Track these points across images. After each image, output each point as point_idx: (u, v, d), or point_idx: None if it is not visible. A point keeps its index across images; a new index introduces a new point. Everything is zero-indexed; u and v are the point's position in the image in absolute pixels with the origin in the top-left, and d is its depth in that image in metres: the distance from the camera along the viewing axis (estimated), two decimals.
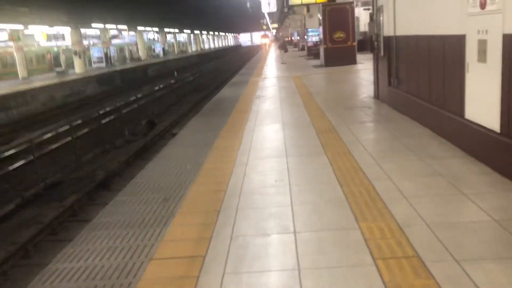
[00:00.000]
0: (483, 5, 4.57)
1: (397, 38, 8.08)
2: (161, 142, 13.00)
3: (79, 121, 16.42)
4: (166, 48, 63.22)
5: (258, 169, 5.28)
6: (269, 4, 23.10)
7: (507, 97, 4.24)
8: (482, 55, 4.67)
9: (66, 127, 13.70)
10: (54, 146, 12.72)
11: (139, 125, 15.77)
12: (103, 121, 15.46)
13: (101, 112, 16.67)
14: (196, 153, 6.22)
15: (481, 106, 4.79)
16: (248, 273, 2.94)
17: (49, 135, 13.93)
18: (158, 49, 61.66)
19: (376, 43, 9.49)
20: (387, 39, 8.67)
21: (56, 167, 11.07)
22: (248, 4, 29.12)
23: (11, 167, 10.83)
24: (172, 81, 31.61)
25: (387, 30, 8.64)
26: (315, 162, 5.33)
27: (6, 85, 25.17)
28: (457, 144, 5.43)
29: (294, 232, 3.48)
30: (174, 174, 5.33)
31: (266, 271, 2.96)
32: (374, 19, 9.60)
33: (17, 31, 27.65)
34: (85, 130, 14.75)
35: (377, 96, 9.81)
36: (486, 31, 4.55)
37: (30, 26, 27.14)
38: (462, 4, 5.03)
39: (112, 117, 16.79)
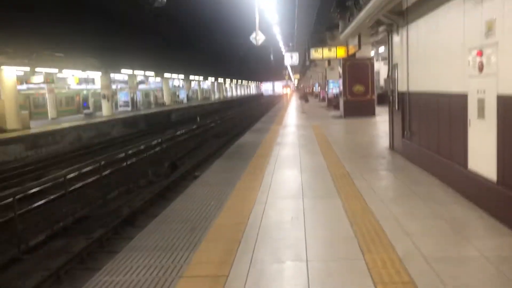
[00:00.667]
0: (481, 69, 5.16)
1: (410, 93, 8.69)
2: (183, 183, 13.55)
3: (105, 161, 17.20)
4: (190, 94, 65.25)
5: (276, 207, 5.79)
6: (291, 57, 24.18)
7: (502, 151, 4.73)
8: (481, 112, 5.21)
9: (92, 166, 14.43)
10: (81, 183, 13.40)
11: (162, 167, 16.43)
12: (128, 162, 16.21)
13: (126, 153, 17.48)
14: (220, 192, 6.77)
15: (481, 158, 5.28)
16: (264, 281, 3.41)
17: (76, 173, 14.66)
18: (182, 95, 63.70)
19: (391, 97, 10.12)
20: (401, 95, 9.28)
21: (83, 202, 11.70)
22: (271, 57, 30.35)
23: (41, 201, 11.50)
24: (195, 126, 32.64)
25: (401, 86, 9.27)
26: (329, 203, 5.82)
27: (37, 124, 26.51)
28: (460, 192, 5.87)
29: (306, 260, 3.95)
30: (199, 209, 5.87)
31: (280, 283, 3.43)
32: (390, 76, 10.27)
33: (51, 74, 29.34)
34: (111, 170, 15.46)
35: (392, 147, 10.31)
36: (484, 91, 5.11)
37: (64, 70, 28.76)
38: (464, 66, 5.63)
39: (136, 158, 17.55)
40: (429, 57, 7.39)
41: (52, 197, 11.93)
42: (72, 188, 12.72)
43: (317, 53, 17.69)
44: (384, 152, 9.97)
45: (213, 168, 9.42)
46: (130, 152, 15.13)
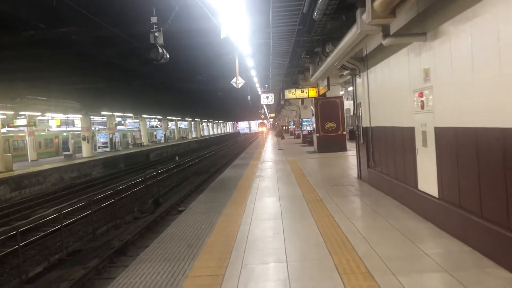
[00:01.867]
0: (422, 107, 6.39)
1: (372, 128, 9.93)
2: (169, 217, 14.33)
3: (90, 199, 17.82)
4: (168, 134, 66.15)
5: (259, 227, 6.77)
6: (267, 97, 25.59)
7: (439, 171, 5.88)
8: (424, 142, 6.40)
9: (78, 205, 15.08)
10: (69, 220, 14.03)
11: (145, 204, 17.16)
12: (113, 200, 16.91)
13: (109, 192, 18.15)
14: (208, 218, 7.71)
15: (427, 179, 6.42)
16: (255, 282, 4.37)
17: (69, 209, 15.28)
18: (160, 135, 64.52)
19: (357, 132, 11.37)
20: (365, 129, 10.52)
21: (74, 237, 12.37)
22: (249, 97, 31.75)
23: (36, 236, 12.12)
24: (174, 165, 33.37)
25: (365, 122, 10.53)
26: (304, 222, 6.84)
27: (18, 166, 26.89)
28: (413, 209, 6.99)
29: (286, 261, 4.93)
30: (192, 231, 6.79)
31: (267, 281, 4.39)
32: (355, 113, 11.55)
33: (32, 117, 29.93)
34: (97, 207, 16.11)
35: (360, 176, 11.47)
36: (426, 125, 6.31)
37: (46, 113, 29.45)
38: (411, 105, 6.86)
39: (120, 196, 18.23)
40: (385, 97, 8.66)
41: (47, 231, 12.55)
42: (65, 223, 13.36)
43: (290, 94, 19.05)
44: (353, 181, 11.10)
45: (199, 199, 10.35)
46: (114, 191, 15.84)
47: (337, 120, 21.69)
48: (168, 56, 8.41)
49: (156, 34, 7.56)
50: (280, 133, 29.84)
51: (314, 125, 22.59)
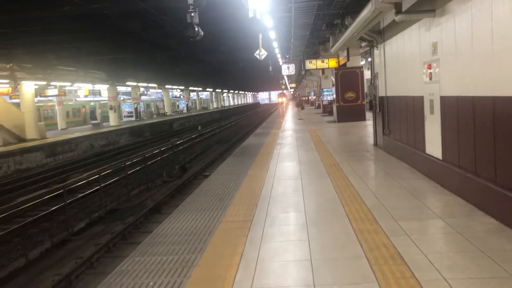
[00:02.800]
0: (430, 77, 7.03)
1: (387, 98, 10.55)
2: (196, 181, 15.32)
3: (123, 165, 18.98)
4: (190, 104, 67.20)
5: (281, 185, 7.62)
6: (288, 68, 26.09)
7: (443, 136, 6.57)
8: (431, 109, 7.06)
9: (111, 169, 16.18)
10: (105, 183, 15.12)
11: (173, 169, 18.20)
12: (143, 165, 18.01)
13: (139, 158, 19.27)
14: (235, 178, 8.58)
15: (433, 143, 7.12)
16: (279, 226, 5.23)
17: (110, 170, 16.43)
18: (182, 105, 65.62)
19: (373, 101, 11.99)
20: (381, 99, 11.15)
21: (111, 198, 13.47)
22: (270, 68, 32.19)
23: (79, 195, 13.27)
24: (197, 134, 34.42)
25: (381, 91, 11.14)
26: (320, 182, 7.65)
27: (49, 134, 28.27)
28: (421, 171, 7.72)
29: (304, 211, 5.77)
30: (222, 188, 7.69)
31: (288, 225, 5.25)
32: (372, 83, 12.15)
33: (62, 87, 31.13)
34: (130, 172, 17.22)
35: (375, 143, 12.16)
36: (433, 94, 6.96)
37: (75, 84, 30.62)
38: (421, 76, 7.49)
39: (148, 162, 19.33)
40: (399, 68, 9.27)
41: (85, 192, 13.71)
42: (103, 184, 14.50)
43: (311, 64, 19.56)
44: (369, 148, 11.82)
45: (226, 163, 11.24)
46: (145, 156, 16.90)
47: (357, 90, 22.17)
48: (202, 33, 9.13)
49: (192, 14, 8.28)
50: (301, 103, 30.42)
51: (334, 95, 23.12)
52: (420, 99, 7.61)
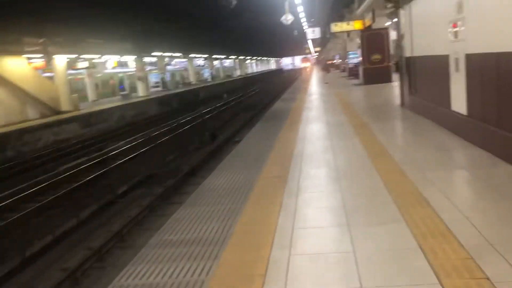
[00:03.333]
0: (455, 36, 7.22)
1: (414, 58, 10.71)
2: (226, 147, 15.89)
3: (157, 132, 19.75)
4: (214, 73, 67.48)
5: (311, 145, 8.06)
6: (313, 31, 26.01)
7: (469, 93, 6.83)
8: (457, 67, 7.29)
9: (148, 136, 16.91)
10: (141, 150, 15.87)
11: (204, 136, 18.81)
12: (175, 133, 18.73)
13: (174, 125, 20.00)
14: (267, 141, 9.05)
15: (458, 100, 7.37)
16: (312, 179, 5.71)
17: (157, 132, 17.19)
18: (206, 74, 65.97)
19: (400, 62, 12.13)
20: (408, 59, 11.30)
21: (147, 165, 14.17)
22: (295, 32, 32.11)
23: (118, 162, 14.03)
24: (223, 102, 34.92)
25: (408, 52, 11.28)
26: (349, 141, 8.05)
27: (81, 106, 29.25)
28: (447, 127, 8.01)
29: (335, 167, 6.22)
30: (255, 150, 8.18)
31: (321, 178, 5.72)
32: (398, 44, 12.25)
33: (91, 59, 31.92)
34: (162, 139, 17.97)
35: (402, 104, 12.36)
36: (458, 52, 7.17)
37: (104, 56, 31.34)
38: (446, 35, 7.67)
39: (179, 130, 20.02)
40: (425, 27, 9.40)
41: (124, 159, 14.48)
42: (138, 152, 15.26)
43: (336, 27, 19.55)
44: (396, 108, 12.06)
45: (256, 128, 11.71)
46: (178, 123, 17.58)
47: (383, 51, 22.05)
48: (235, 1, 9.48)
49: None
50: (326, 67, 30.41)
51: (360, 58, 23.08)
52: (445, 57, 7.81)
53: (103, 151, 16.82)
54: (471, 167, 5.56)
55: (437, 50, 8.49)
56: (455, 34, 7.23)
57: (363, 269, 3.18)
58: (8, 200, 10.59)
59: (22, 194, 11.07)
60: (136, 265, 3.63)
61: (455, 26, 7.21)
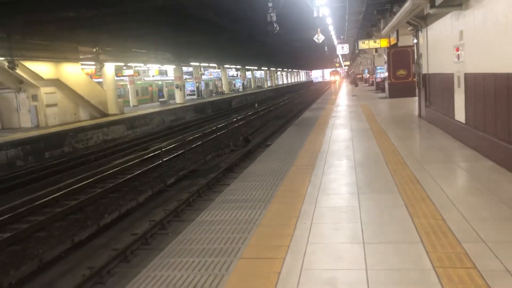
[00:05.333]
0: (458, 58, 8.76)
1: (429, 75, 12.22)
2: (259, 149, 17.58)
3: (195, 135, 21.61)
4: (245, 83, 69.72)
5: (335, 145, 9.70)
6: (342, 48, 27.64)
7: (466, 105, 8.35)
8: (458, 84, 8.81)
9: (190, 137, 18.76)
10: (183, 150, 17.70)
11: (238, 140, 20.57)
12: (215, 135, 20.57)
13: (211, 129, 21.85)
14: (298, 140, 10.72)
15: (459, 111, 8.88)
16: (335, 167, 7.35)
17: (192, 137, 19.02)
18: (238, 84, 68.26)
19: (418, 78, 13.64)
20: (424, 76, 12.81)
21: (190, 161, 15.98)
22: (326, 48, 33.77)
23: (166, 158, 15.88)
24: (254, 111, 36.72)
25: (424, 69, 12.79)
26: (368, 143, 9.65)
27: (125, 110, 31.60)
28: (449, 133, 9.53)
29: (354, 160, 7.84)
30: (288, 147, 9.86)
31: (341, 167, 7.36)
32: (417, 62, 13.77)
33: (134, 67, 34.37)
34: (203, 141, 19.79)
35: (420, 115, 13.84)
36: (460, 71, 8.70)
37: (147, 65, 33.72)
38: (452, 56, 9.21)
39: (218, 133, 21.86)
40: (438, 49, 10.94)
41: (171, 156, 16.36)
42: (179, 152, 17.13)
43: (364, 44, 21.08)
44: (414, 118, 13.56)
45: (288, 131, 13.40)
46: (216, 127, 19.42)
47: (408, 67, 23.43)
48: (278, 27, 11.28)
49: (271, 14, 10.50)
50: (354, 81, 31.86)
51: (387, 73, 24.53)
52: (451, 75, 9.34)
53: (148, 150, 18.78)
54: (459, 162, 7.11)
55: (446, 69, 10.02)
56: (458, 56, 8.77)
57: (364, 215, 4.82)
58: (76, 185, 12.55)
59: (85, 182, 13.00)
60: (205, 215, 5.36)
61: (457, 50, 8.76)
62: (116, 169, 14.73)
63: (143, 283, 3.56)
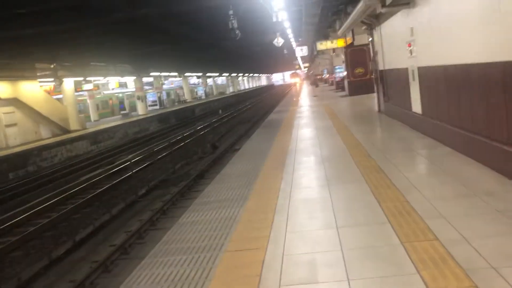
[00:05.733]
0: (411, 53, 9.32)
1: (385, 71, 12.83)
2: (228, 155, 17.82)
3: (161, 146, 21.66)
4: (207, 90, 69.79)
5: (302, 143, 10.09)
6: (301, 50, 28.31)
7: (422, 97, 8.90)
8: (413, 77, 9.37)
9: (155, 149, 18.82)
10: (151, 161, 17.77)
11: (206, 147, 20.75)
12: (178, 146, 20.66)
13: (177, 139, 21.95)
14: (266, 142, 11.05)
15: (416, 103, 9.44)
16: (304, 163, 7.71)
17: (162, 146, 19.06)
18: (200, 91, 68.25)
19: (375, 75, 14.26)
20: (381, 72, 13.42)
21: (160, 172, 16.05)
22: (285, 51, 34.44)
23: (136, 169, 15.90)
24: (218, 117, 36.94)
25: (381, 66, 13.40)
26: (332, 140, 10.09)
27: (87, 125, 31.15)
28: (408, 124, 10.09)
29: (321, 155, 8.23)
30: (259, 148, 10.17)
31: (310, 163, 7.72)
32: (373, 60, 14.40)
33: (93, 81, 33.94)
34: (170, 151, 19.88)
35: (379, 110, 14.46)
36: (413, 65, 9.26)
37: (106, 78, 33.36)
38: (406, 53, 9.77)
39: (182, 143, 21.97)
40: (392, 46, 11.54)
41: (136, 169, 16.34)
42: (147, 163, 17.16)
43: (322, 45, 21.74)
44: (373, 114, 14.16)
45: (255, 134, 13.72)
46: (183, 136, 19.52)
47: (365, 65, 24.23)
48: (240, 34, 11.61)
49: (233, 21, 10.83)
50: (315, 82, 32.61)
51: (345, 72, 25.30)
52: (405, 70, 9.91)
53: (115, 164, 18.68)
54: (418, 149, 7.62)
55: (400, 64, 10.59)
56: (410, 51, 9.34)
57: (335, 204, 5.17)
58: (47, 202, 12.42)
59: (56, 199, 12.88)
60: (185, 217, 5.59)
61: (409, 45, 9.32)
62: (85, 184, 14.65)
63: (136, 281, 3.76)
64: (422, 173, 6.21)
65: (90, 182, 14.86)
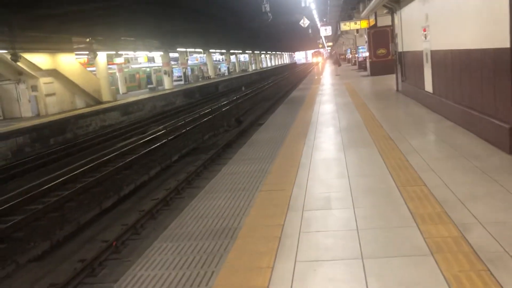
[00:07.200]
0: (425, 37, 10.23)
1: (404, 53, 13.71)
2: (252, 128, 18.99)
3: (189, 119, 22.92)
4: (230, 67, 70.73)
5: (323, 117, 11.18)
6: (325, 29, 28.99)
7: (433, 78, 9.86)
8: (427, 59, 10.30)
9: (184, 121, 20.08)
10: (183, 131, 19.07)
11: (231, 121, 21.93)
12: (206, 119, 21.89)
13: (204, 111, 23.16)
14: (290, 116, 12.16)
15: (428, 83, 10.39)
16: (324, 132, 8.83)
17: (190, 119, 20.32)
18: (224, 68, 69.25)
19: (395, 56, 15.13)
20: (400, 54, 14.29)
21: (189, 141, 17.31)
22: (310, 31, 35.07)
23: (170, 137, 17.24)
24: (242, 94, 38.00)
25: (400, 48, 14.27)
26: (351, 115, 11.14)
27: (117, 97, 32.62)
28: (421, 102, 11.06)
29: (339, 126, 9.31)
30: (283, 121, 11.31)
31: (329, 132, 8.84)
32: (394, 42, 15.24)
33: (123, 55, 35.29)
34: (199, 122, 21.14)
35: (397, 89, 15.37)
36: (427, 49, 10.19)
37: (136, 52, 34.66)
38: (421, 37, 10.68)
39: (209, 116, 23.19)
40: (409, 30, 12.41)
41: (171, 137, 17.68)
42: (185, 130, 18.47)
43: (345, 26, 22.46)
44: (392, 93, 15.10)
45: (279, 109, 14.83)
46: (211, 109, 20.72)
47: (387, 47, 24.89)
48: (271, 17, 12.61)
49: (265, 5, 11.85)
50: (337, 61, 33.29)
51: (368, 52, 26.01)
52: (420, 53, 10.84)
53: (147, 133, 20.07)
54: (425, 122, 8.68)
55: (416, 47, 11.50)
56: (425, 36, 10.25)
57: (348, 162, 6.31)
58: (91, 164, 13.84)
59: (98, 161, 14.30)
60: (226, 169, 6.81)
61: (424, 30, 10.23)
62: (123, 149, 16.04)
63: (189, 215, 5.01)
64: (424, 141, 7.26)
65: (127, 148, 16.25)
